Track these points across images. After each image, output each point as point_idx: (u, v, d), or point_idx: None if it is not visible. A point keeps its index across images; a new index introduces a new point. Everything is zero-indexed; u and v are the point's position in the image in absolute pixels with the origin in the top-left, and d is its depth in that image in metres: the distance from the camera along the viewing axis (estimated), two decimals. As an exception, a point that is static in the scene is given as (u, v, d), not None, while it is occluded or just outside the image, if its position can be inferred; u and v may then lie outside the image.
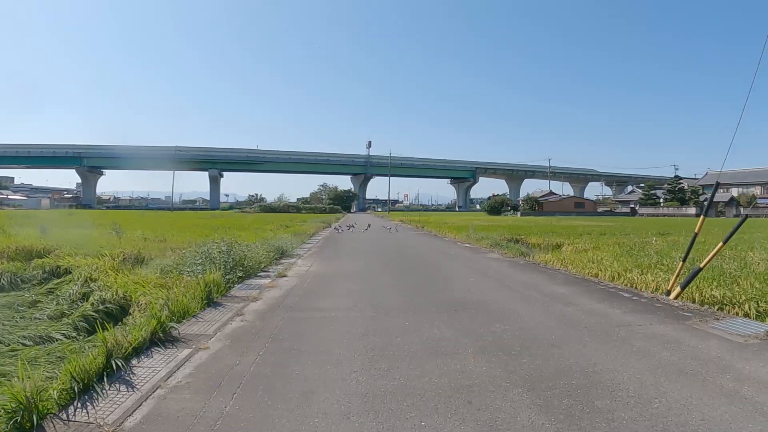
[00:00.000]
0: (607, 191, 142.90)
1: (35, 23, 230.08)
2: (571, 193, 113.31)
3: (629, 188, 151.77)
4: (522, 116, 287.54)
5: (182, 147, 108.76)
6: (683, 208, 72.60)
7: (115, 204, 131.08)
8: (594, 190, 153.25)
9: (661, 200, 78.55)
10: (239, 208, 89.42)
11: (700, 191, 74.95)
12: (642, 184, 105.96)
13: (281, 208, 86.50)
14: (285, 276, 10.45)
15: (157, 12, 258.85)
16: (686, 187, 76.97)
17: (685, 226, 35.61)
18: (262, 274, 10.76)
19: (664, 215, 70.54)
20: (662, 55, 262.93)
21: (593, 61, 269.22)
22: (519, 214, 68.46)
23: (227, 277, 9.30)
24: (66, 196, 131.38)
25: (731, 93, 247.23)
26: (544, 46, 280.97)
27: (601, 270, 11.28)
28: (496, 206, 74.50)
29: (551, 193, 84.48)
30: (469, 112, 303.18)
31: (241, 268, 10.15)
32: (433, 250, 17.38)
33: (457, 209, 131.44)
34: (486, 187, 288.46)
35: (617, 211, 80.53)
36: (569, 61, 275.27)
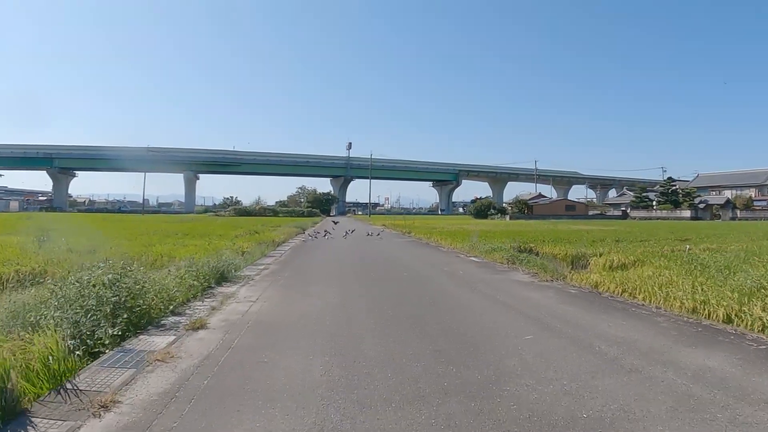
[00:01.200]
0: (591, 194, 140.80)
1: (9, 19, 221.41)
2: (555, 196, 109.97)
3: (612, 191, 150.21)
4: (504, 118, 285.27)
5: (157, 148, 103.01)
6: (677, 211, 69.60)
7: (89, 207, 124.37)
8: (577, 193, 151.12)
9: (654, 203, 75.52)
10: (214, 212, 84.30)
11: (694, 193, 71.97)
12: (627, 187, 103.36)
13: (257, 211, 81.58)
14: (204, 327, 6.14)
15: (136, 9, 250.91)
16: (679, 189, 74.01)
17: (695, 230, 32.33)
18: (171, 320, 6.48)
19: (658, 218, 67.49)
20: (645, 57, 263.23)
21: (574, 63, 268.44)
22: (508, 217, 64.57)
23: (92, 335, 4.99)
24: (41, 198, 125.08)
25: (716, 94, 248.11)
26: (525, 47, 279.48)
27: (699, 303, 7.26)
28: (482, 209, 70.42)
29: (540, 195, 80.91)
30: (451, 113, 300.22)
31: (130, 314, 5.85)
32: (436, 269, 13.03)
33: (439, 212, 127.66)
34: (468, 190, 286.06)
35: (608, 214, 77.32)
36: (551, 63, 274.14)
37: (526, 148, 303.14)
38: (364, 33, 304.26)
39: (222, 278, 9.79)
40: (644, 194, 78.86)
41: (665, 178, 79.62)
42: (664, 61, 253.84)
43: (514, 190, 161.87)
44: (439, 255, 16.38)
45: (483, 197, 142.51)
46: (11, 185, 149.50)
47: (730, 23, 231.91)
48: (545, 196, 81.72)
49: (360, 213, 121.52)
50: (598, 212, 77.51)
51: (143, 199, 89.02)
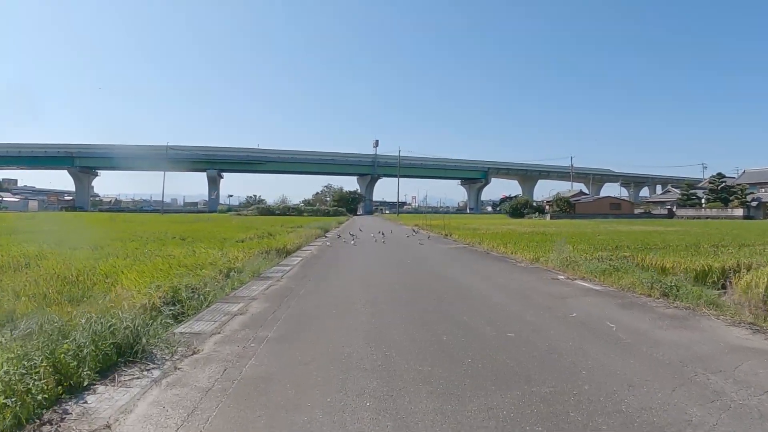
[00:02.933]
0: (623, 192, 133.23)
1: (30, 20, 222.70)
2: (591, 194, 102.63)
3: (645, 189, 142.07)
4: (532, 118, 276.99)
5: (178, 146, 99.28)
6: (727, 210, 62.64)
7: (112, 206, 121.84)
8: (608, 191, 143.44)
9: (703, 200, 68.50)
10: (236, 211, 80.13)
11: (746, 190, 64.53)
12: (672, 185, 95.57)
13: (281, 210, 77.16)
14: None
15: (156, 7, 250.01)
16: (729, 186, 66.82)
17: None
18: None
19: (707, 217, 60.81)
20: (677, 55, 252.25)
21: (602, 62, 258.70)
22: (548, 216, 58.49)
23: None
24: (67, 198, 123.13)
25: (753, 91, 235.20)
26: (553, 47, 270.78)
27: None
28: (518, 208, 64.15)
29: (581, 193, 74.13)
30: (478, 112, 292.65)
31: None
32: (560, 322, 7.17)
33: (468, 211, 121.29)
34: (496, 189, 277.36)
35: (655, 212, 70.46)
36: (578, 62, 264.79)
37: (553, 147, 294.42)
38: (391, 34, 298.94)
39: (118, 359, 4.55)
40: (691, 191, 71.74)
41: (708, 175, 72.73)
42: (698, 58, 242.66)
43: (543, 189, 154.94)
44: (525, 277, 10.71)
45: (513, 196, 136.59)
46: (39, 185, 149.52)
47: (730, 21, 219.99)
48: (586, 194, 74.99)
49: (387, 212, 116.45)
50: (643, 211, 70.68)
51: (162, 199, 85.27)
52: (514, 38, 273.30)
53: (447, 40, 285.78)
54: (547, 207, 68.56)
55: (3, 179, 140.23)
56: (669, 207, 72.24)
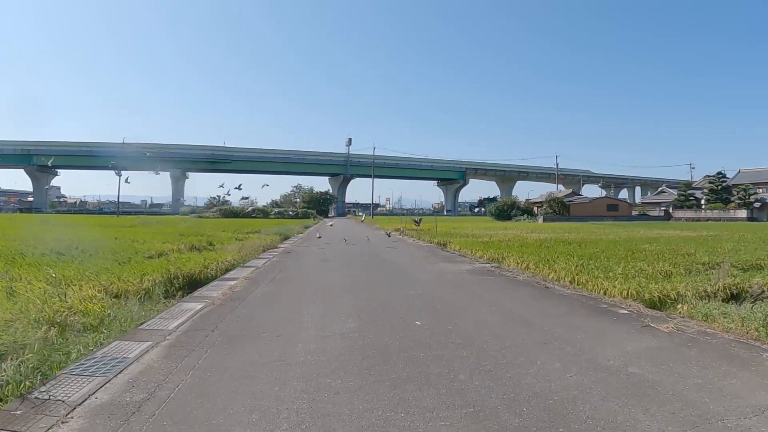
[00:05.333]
0: (603, 194, 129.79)
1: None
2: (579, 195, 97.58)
3: (624, 191, 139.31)
4: (508, 118, 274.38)
5: (138, 143, 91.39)
6: (730, 211, 58.34)
7: (70, 208, 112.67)
8: (588, 192, 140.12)
9: (703, 201, 64.27)
10: (198, 213, 73.09)
11: (750, 189, 59.98)
12: (668, 185, 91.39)
13: (245, 212, 70.54)
14: None
15: None
16: (730, 185, 62.66)
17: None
18: None
19: (708, 219, 56.41)
20: (652, 55, 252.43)
21: (578, 62, 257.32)
22: (540, 219, 53.20)
23: None
24: (29, 199, 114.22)
25: (736, 91, 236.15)
26: (527, 47, 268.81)
27: None
28: (505, 210, 58.55)
29: (574, 193, 68.97)
30: (453, 114, 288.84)
31: None
32: None
33: (445, 213, 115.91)
34: (473, 190, 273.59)
35: (651, 214, 65.75)
36: (557, 62, 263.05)
37: (531, 148, 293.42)
38: (366, 33, 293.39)
39: None
40: (689, 192, 67.44)
41: (697, 176, 68.95)
42: (671, 59, 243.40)
43: (521, 190, 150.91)
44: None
45: (491, 197, 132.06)
46: (5, 185, 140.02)
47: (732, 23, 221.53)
48: (579, 195, 69.97)
49: (360, 214, 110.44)
50: (637, 213, 66.06)
51: (118, 200, 77.67)
52: (492, 38, 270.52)
53: (423, 39, 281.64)
54: (535, 209, 63.30)
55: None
56: (665, 208, 67.80)
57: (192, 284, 9.98)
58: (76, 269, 10.05)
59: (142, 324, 5.97)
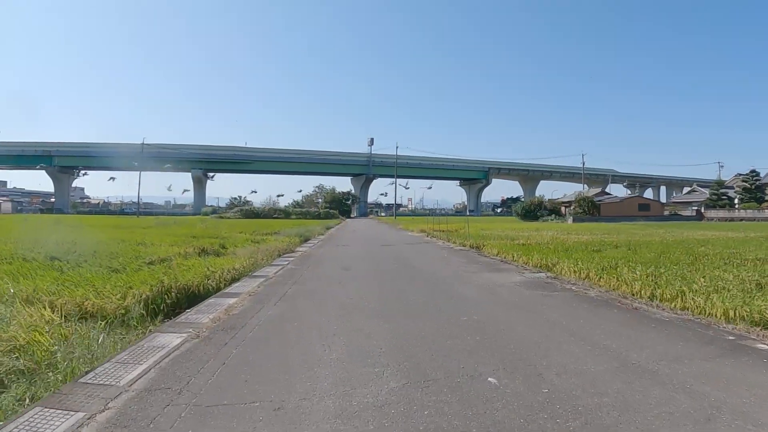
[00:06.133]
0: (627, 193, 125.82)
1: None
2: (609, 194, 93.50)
3: (649, 190, 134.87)
4: (532, 117, 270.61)
5: (159, 144, 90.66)
6: (765, 210, 54.80)
7: (96, 208, 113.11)
8: (613, 192, 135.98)
9: (736, 200, 60.88)
10: (219, 214, 72.06)
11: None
12: (698, 184, 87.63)
13: (266, 212, 69.15)
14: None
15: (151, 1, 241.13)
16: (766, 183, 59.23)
17: None
18: None
19: (741, 219, 53.17)
20: (678, 54, 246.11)
21: (603, 63, 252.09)
22: (570, 219, 50.50)
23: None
24: (52, 200, 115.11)
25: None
26: (552, 46, 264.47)
27: None
28: (531, 210, 56.00)
29: (604, 192, 65.92)
30: (478, 112, 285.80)
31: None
32: None
33: (467, 213, 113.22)
34: (495, 190, 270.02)
35: (683, 214, 62.44)
36: (578, 61, 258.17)
37: (553, 148, 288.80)
38: (387, 32, 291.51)
39: None
40: (722, 191, 63.99)
41: (726, 175, 65.29)
42: (696, 58, 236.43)
43: (544, 190, 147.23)
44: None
45: (514, 197, 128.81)
46: (29, 187, 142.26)
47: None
48: (609, 194, 66.84)
49: (383, 214, 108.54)
50: (668, 212, 62.79)
51: (138, 200, 77.29)
52: (515, 38, 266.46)
53: (445, 39, 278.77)
54: (563, 208, 60.46)
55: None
56: (696, 208, 64.41)
57: (189, 298, 8.21)
58: (53, 279, 8.40)
59: (87, 374, 4.09)
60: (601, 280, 9.24)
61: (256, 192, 78.63)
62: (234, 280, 9.65)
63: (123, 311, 6.90)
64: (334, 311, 6.84)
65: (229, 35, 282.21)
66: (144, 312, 6.99)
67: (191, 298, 8.39)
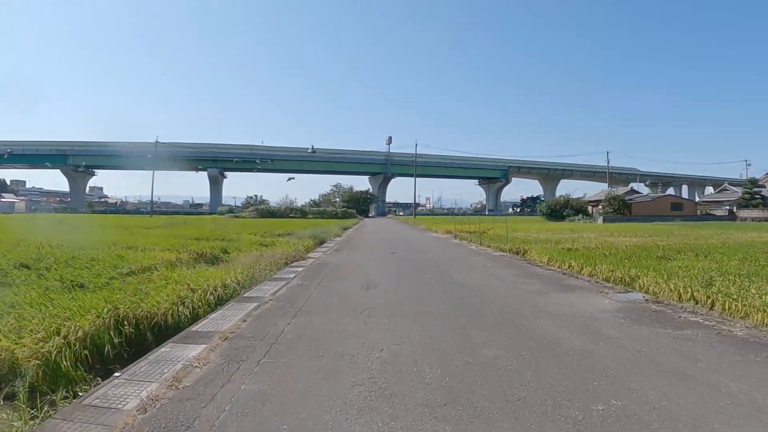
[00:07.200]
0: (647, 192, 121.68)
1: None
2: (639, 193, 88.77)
3: (671, 189, 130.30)
4: (550, 117, 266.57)
5: (175, 143, 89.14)
6: (807, 211, 51.18)
7: (111, 207, 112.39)
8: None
9: (772, 199, 57.06)
10: (234, 213, 70.15)
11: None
12: (694, 184, 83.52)
13: (282, 212, 66.97)
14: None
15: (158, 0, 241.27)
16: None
17: None
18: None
19: (779, 219, 49.66)
20: (699, 55, 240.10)
21: (624, 63, 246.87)
22: (600, 219, 47.25)
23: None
24: (68, 199, 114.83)
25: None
26: (565, 48, 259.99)
27: None
28: (557, 209, 52.83)
29: (633, 191, 62.31)
30: (493, 112, 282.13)
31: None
32: None
33: (486, 213, 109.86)
34: (513, 189, 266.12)
35: (716, 214, 58.63)
36: (594, 67, 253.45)
37: (574, 146, 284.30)
38: (404, 34, 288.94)
39: None
40: (755, 189, 60.13)
41: (753, 173, 61.30)
42: (719, 59, 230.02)
43: (563, 189, 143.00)
44: None
45: (534, 197, 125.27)
46: (48, 187, 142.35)
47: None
48: (638, 192, 63.29)
49: (401, 214, 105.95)
50: (701, 212, 59.10)
51: (151, 199, 75.83)
52: (534, 41, 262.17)
53: (463, 41, 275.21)
54: (590, 208, 57.09)
55: (11, 180, 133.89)
56: (728, 207, 60.61)
57: (154, 331, 5.82)
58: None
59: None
60: (733, 306, 6.56)
61: (263, 197, 75.61)
62: (219, 303, 7.14)
63: (41, 363, 4.51)
64: (355, 393, 3.75)
65: (251, 45, 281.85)
66: (70, 365, 4.60)
67: (156, 331, 5.95)
